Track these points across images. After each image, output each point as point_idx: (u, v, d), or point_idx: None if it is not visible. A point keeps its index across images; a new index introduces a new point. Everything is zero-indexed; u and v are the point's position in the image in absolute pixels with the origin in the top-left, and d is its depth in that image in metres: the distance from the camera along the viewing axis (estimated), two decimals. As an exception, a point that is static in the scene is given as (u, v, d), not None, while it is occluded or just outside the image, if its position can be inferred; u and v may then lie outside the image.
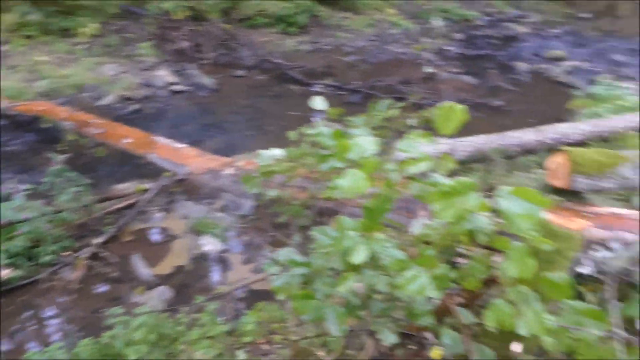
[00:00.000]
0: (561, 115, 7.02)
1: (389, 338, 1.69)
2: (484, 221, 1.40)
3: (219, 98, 8.17)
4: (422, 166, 1.41)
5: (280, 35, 10.28)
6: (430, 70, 9.05)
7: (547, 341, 1.32)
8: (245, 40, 9.88)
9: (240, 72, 9.01)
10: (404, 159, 1.45)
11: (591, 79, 8.47)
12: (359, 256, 1.39)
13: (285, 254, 1.71)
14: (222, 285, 4.26)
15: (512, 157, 5.53)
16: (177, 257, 4.62)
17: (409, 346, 1.98)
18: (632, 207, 3.23)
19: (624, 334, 1.68)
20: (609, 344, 1.34)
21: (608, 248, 2.22)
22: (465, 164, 5.43)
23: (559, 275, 1.40)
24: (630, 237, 2.37)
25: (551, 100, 8.04)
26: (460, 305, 1.69)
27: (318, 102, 2.09)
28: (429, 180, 1.32)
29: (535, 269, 1.29)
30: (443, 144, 5.57)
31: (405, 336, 2.15)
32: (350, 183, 1.40)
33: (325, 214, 3.59)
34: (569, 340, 1.33)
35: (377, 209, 1.44)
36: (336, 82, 8.63)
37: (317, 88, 8.40)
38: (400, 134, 2.42)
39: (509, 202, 1.21)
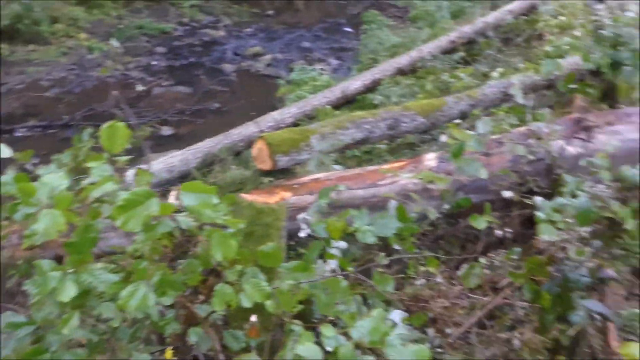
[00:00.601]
0: (273, 104, 7.73)
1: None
2: (185, 220, 1.51)
3: None
4: (107, 187, 1.43)
5: (-46, 84, 8.82)
6: (142, 87, 8.91)
7: (268, 305, 1.52)
8: None
9: None
10: (86, 184, 1.45)
11: (289, 67, 9.49)
12: (67, 293, 1.35)
13: (2, 319, 1.56)
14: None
15: (241, 153, 5.89)
16: None
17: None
18: (331, 170, 3.82)
19: (340, 274, 2.01)
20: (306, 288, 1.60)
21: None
22: (201, 170, 5.58)
23: (269, 246, 1.61)
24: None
25: (261, 92, 8.75)
26: (203, 302, 1.79)
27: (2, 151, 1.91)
28: (110, 199, 1.36)
29: (235, 249, 1.46)
30: (174, 157, 5.63)
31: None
32: (47, 225, 1.35)
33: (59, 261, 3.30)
34: (285, 296, 1.55)
35: (81, 241, 1.42)
36: (42, 121, 7.85)
37: (20, 133, 7.52)
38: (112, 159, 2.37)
39: (186, 198, 1.34)
